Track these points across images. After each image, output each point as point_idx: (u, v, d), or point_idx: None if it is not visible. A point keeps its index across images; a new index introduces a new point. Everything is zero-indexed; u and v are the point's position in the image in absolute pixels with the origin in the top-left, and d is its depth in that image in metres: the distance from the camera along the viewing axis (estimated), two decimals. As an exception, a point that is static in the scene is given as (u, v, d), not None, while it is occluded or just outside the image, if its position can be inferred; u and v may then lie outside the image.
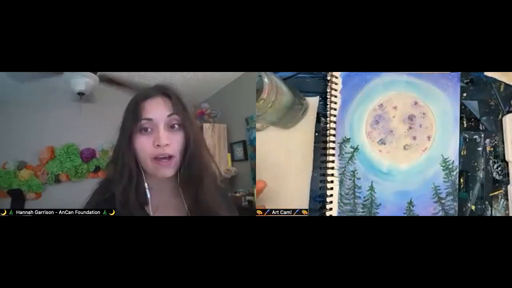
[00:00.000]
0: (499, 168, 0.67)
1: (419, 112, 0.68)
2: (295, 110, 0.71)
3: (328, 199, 0.69)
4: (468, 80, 0.69)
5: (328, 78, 0.71)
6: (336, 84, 0.71)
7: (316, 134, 0.74)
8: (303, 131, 0.75)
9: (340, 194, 0.69)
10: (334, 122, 0.70)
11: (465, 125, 0.69)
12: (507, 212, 0.66)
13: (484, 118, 0.68)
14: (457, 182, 0.66)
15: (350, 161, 0.69)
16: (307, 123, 0.75)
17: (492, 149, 0.68)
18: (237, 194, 2.38)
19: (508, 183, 0.66)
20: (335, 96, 0.70)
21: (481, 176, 0.67)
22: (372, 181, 0.68)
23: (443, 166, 0.66)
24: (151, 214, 0.54)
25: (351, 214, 0.68)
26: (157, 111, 0.53)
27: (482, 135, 0.68)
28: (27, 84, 2.43)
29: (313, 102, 0.75)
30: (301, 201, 0.72)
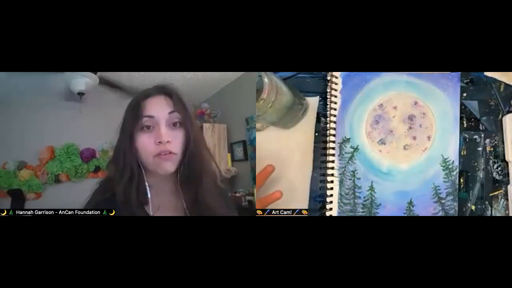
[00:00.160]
0: (499, 168, 0.67)
1: (419, 112, 0.68)
2: (295, 110, 0.71)
3: (328, 199, 0.69)
4: (468, 80, 0.69)
5: (328, 78, 0.71)
6: (336, 84, 0.71)
7: (316, 134, 0.74)
8: (303, 131, 0.75)
9: (340, 194, 0.69)
10: (334, 122, 0.70)
11: (465, 125, 0.69)
12: (507, 212, 0.66)
13: (484, 118, 0.68)
14: (457, 182, 0.66)
15: (350, 161, 0.69)
16: (307, 123, 0.75)
17: (492, 149, 0.68)
18: (237, 194, 2.38)
19: (508, 183, 0.66)
20: (335, 96, 0.70)
21: (481, 176, 0.67)
22: (372, 181, 0.68)
23: (443, 166, 0.66)
24: (151, 214, 0.54)
25: (351, 214, 0.68)
26: (158, 108, 0.54)
27: (482, 135, 0.68)
28: (27, 84, 2.43)
29: (313, 102, 0.75)
30: (301, 201, 0.72)
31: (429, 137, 0.67)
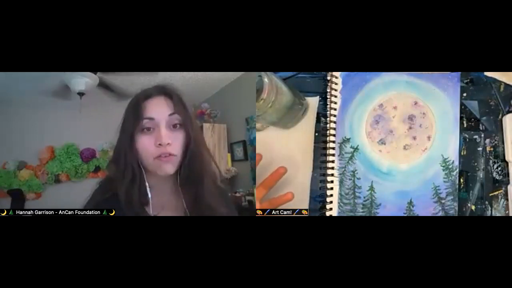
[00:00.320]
0: (499, 168, 0.67)
1: (419, 112, 0.68)
2: (295, 110, 0.71)
3: (328, 199, 0.69)
4: (468, 80, 0.69)
5: (328, 78, 0.71)
6: (336, 84, 0.71)
7: (316, 134, 0.74)
8: (303, 131, 0.75)
9: (340, 194, 0.69)
10: (334, 122, 0.70)
11: (465, 125, 0.69)
12: (507, 212, 0.66)
13: (484, 118, 0.68)
14: (457, 182, 0.66)
15: (350, 161, 0.69)
16: (307, 123, 0.75)
17: (492, 149, 0.68)
18: (237, 194, 2.38)
19: (508, 183, 0.66)
20: (335, 96, 0.70)
21: (481, 176, 0.67)
22: (372, 181, 0.68)
23: (443, 166, 0.66)
24: (152, 214, 0.54)
25: (351, 214, 0.68)
26: (159, 110, 0.53)
27: (482, 135, 0.68)
28: (27, 84, 2.43)
29: (313, 102, 0.75)
30: (301, 201, 0.72)
31: (429, 137, 0.67)
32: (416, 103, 0.68)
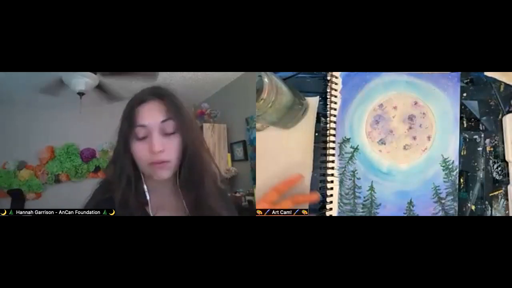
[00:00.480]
0: (499, 168, 0.67)
1: (419, 112, 0.68)
2: (295, 110, 0.71)
3: (328, 199, 0.69)
4: (468, 80, 0.69)
5: (328, 78, 0.71)
6: (336, 84, 0.71)
7: (316, 134, 0.74)
8: (303, 131, 0.75)
9: (340, 194, 0.69)
10: (334, 122, 0.70)
11: (465, 125, 0.69)
12: (507, 212, 0.66)
13: (484, 118, 0.68)
14: (457, 182, 0.66)
15: (350, 161, 0.69)
16: (307, 123, 0.75)
17: (492, 149, 0.68)
18: (237, 194, 2.38)
19: (508, 183, 0.66)
20: (335, 96, 0.70)
21: (481, 176, 0.67)
22: (372, 181, 0.68)
23: (443, 166, 0.66)
24: (151, 214, 0.55)
25: (351, 214, 0.68)
26: (151, 116, 0.52)
27: (482, 135, 0.68)
28: (27, 84, 2.43)
29: (313, 102, 0.75)
30: (301, 201, 0.72)
31: (429, 137, 0.67)
32: (416, 103, 0.68)
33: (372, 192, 0.68)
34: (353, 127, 0.70)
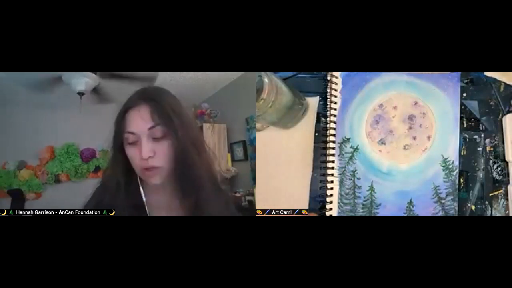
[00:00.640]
0: (499, 168, 0.67)
1: (419, 112, 0.68)
2: (295, 110, 0.71)
3: (328, 199, 0.69)
4: (468, 80, 0.69)
5: (328, 78, 0.71)
6: (336, 84, 0.71)
7: (316, 134, 0.74)
8: (303, 131, 0.75)
9: (340, 194, 0.69)
10: (334, 122, 0.70)
11: (465, 125, 0.69)
12: (507, 212, 0.66)
13: (484, 118, 0.68)
14: (457, 182, 0.66)
15: (350, 161, 0.69)
16: (307, 123, 0.75)
17: (492, 149, 0.68)
18: (237, 194, 2.38)
19: (508, 183, 0.66)
20: (335, 96, 0.70)
21: (481, 176, 0.67)
22: (372, 181, 0.68)
23: (443, 166, 0.66)
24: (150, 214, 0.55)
25: (351, 214, 0.68)
26: (138, 123, 0.51)
27: (482, 135, 0.68)
28: (27, 84, 2.43)
29: (313, 102, 0.75)
30: (301, 201, 0.72)
31: (429, 137, 0.67)
32: (416, 103, 0.68)
33: (372, 192, 0.68)
34: (353, 127, 0.70)
